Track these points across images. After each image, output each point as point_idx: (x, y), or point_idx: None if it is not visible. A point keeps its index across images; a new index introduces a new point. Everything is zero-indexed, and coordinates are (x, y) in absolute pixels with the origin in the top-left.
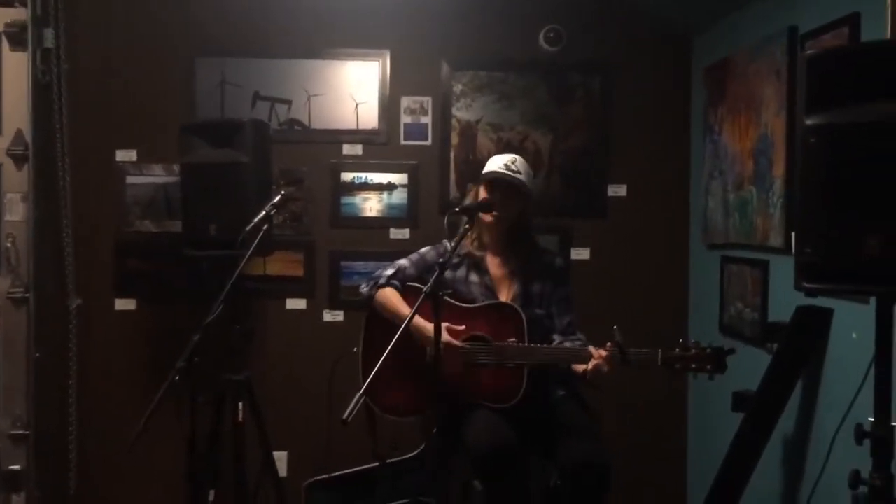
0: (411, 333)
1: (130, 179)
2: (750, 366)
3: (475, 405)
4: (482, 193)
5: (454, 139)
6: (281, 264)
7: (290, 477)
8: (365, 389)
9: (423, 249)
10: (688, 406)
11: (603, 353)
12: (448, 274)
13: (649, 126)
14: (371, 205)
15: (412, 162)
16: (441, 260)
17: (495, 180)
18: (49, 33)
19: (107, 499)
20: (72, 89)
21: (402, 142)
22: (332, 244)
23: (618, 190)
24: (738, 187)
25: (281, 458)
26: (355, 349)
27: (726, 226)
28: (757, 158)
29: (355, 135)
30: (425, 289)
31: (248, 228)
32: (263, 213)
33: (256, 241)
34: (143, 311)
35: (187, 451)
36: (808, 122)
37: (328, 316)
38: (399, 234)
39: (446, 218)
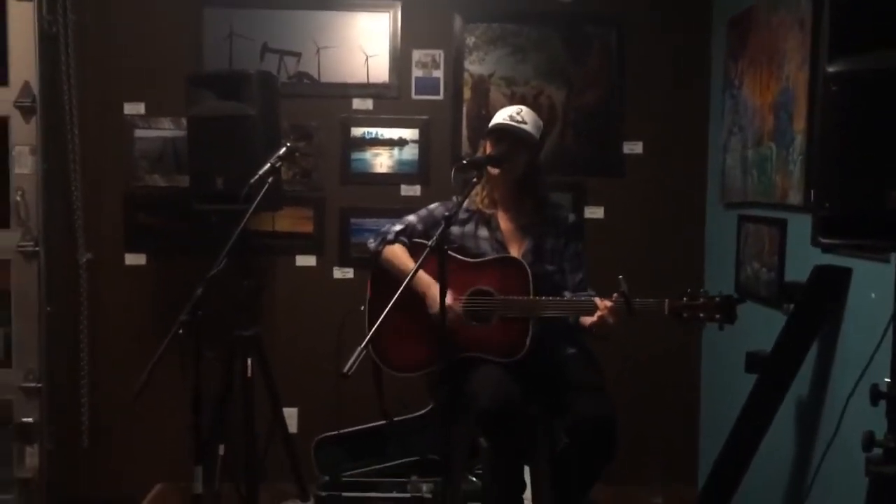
0: (414, 290)
1: (139, 133)
2: (765, 326)
3: (480, 360)
4: (488, 147)
5: (466, 94)
6: (290, 220)
7: (300, 433)
8: (366, 343)
9: (433, 205)
10: (700, 364)
11: (608, 303)
12: (456, 229)
13: (667, 81)
14: (382, 160)
15: (424, 117)
16: (447, 214)
17: (500, 131)
18: None
19: (119, 451)
20: (79, 41)
21: (414, 96)
22: (341, 201)
23: (633, 147)
24: (757, 143)
25: (291, 414)
26: (362, 307)
27: (745, 184)
28: (777, 113)
29: (366, 89)
30: (430, 243)
31: (252, 181)
32: (268, 165)
33: (261, 195)
34: (153, 266)
35: (192, 405)
36: (830, 69)
37: (338, 273)
38: (410, 190)
39: (454, 173)
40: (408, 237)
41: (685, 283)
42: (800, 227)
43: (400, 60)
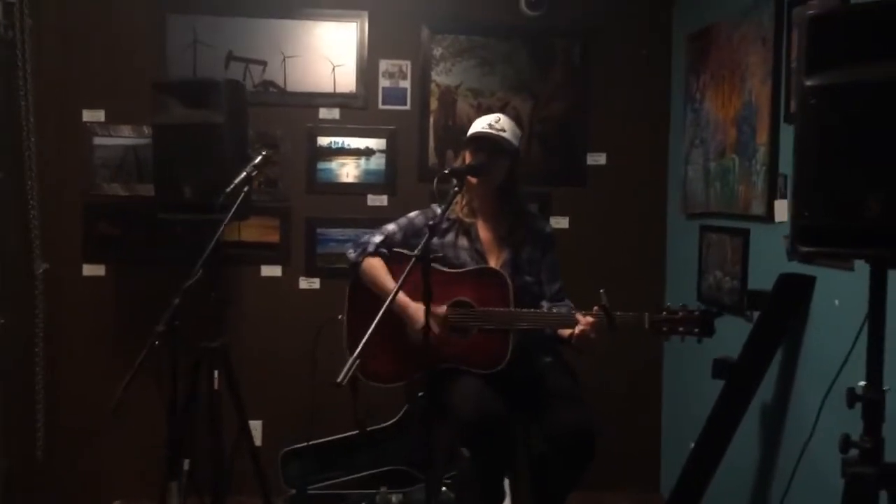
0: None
1: (98, 140)
2: (728, 334)
3: (460, 371)
4: (468, 157)
5: (433, 104)
6: (256, 230)
7: (265, 446)
8: (358, 353)
9: (412, 214)
10: (662, 371)
11: (589, 319)
12: (436, 239)
13: (629, 94)
14: (348, 170)
15: (390, 127)
16: (431, 223)
17: (480, 139)
18: None
19: (75, 466)
20: (36, 46)
21: (381, 106)
22: (308, 210)
23: (597, 158)
24: (719, 156)
25: (255, 426)
26: (340, 316)
27: (707, 195)
28: (740, 126)
29: (332, 98)
30: (416, 252)
31: (228, 190)
32: (244, 174)
33: (237, 204)
34: (113, 277)
35: (168, 418)
36: (808, 83)
37: (304, 283)
38: (377, 200)
39: (435, 183)
40: (388, 248)
41: (647, 291)
42: (762, 236)
43: (367, 70)
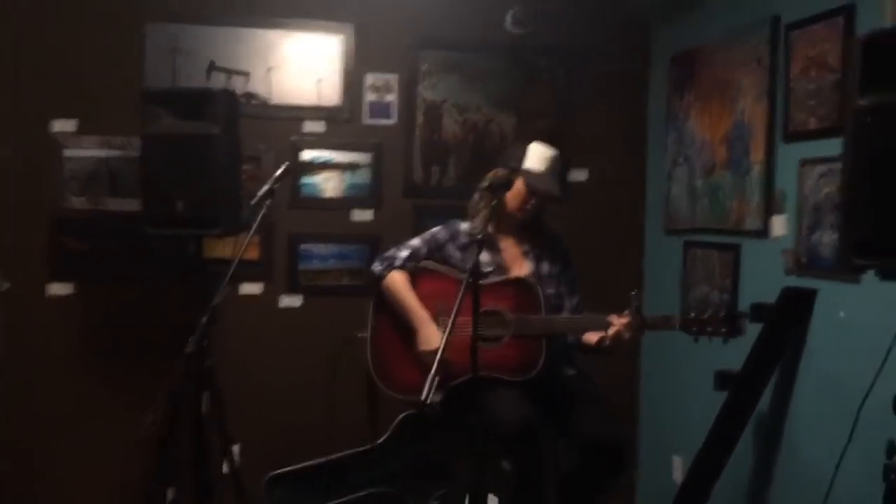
0: (410, 323)
1: (68, 152)
2: (715, 347)
3: (490, 381)
4: (519, 185)
5: (419, 119)
6: (235, 246)
7: (244, 470)
8: (436, 370)
9: (434, 229)
10: (639, 383)
11: (624, 319)
12: (458, 253)
13: (609, 112)
14: (333, 185)
15: (376, 141)
16: (479, 237)
17: (542, 191)
18: None
19: (37, 493)
20: (4, 52)
21: (366, 120)
22: (290, 226)
23: (579, 175)
24: (707, 173)
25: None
26: (360, 334)
27: (692, 211)
28: (731, 144)
29: (317, 111)
30: (468, 267)
31: (252, 203)
32: (267, 186)
33: (259, 218)
34: (81, 296)
35: (158, 445)
36: (862, 102)
37: (285, 301)
38: (362, 215)
39: (477, 195)
40: (413, 262)
41: (625, 304)
42: (755, 250)
43: (352, 84)
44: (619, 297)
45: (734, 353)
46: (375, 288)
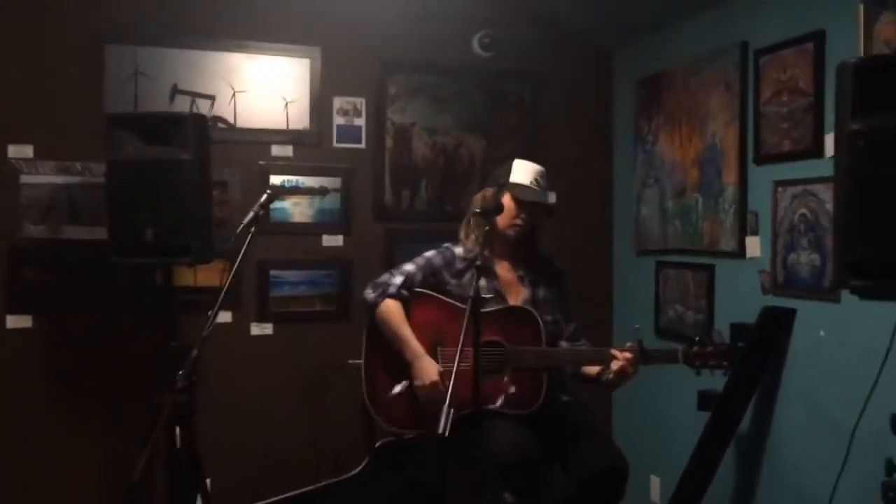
0: (403, 356)
1: (25, 179)
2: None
3: (491, 413)
4: (507, 201)
5: (389, 142)
6: (203, 273)
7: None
8: (449, 402)
9: (429, 254)
10: (614, 412)
11: (627, 354)
12: (453, 280)
13: (576, 135)
14: (302, 210)
15: (345, 165)
16: (478, 263)
17: (530, 204)
18: None
19: None
20: None
21: (335, 144)
22: (259, 252)
23: (549, 197)
24: (679, 195)
25: None
26: (351, 361)
27: (664, 232)
28: (703, 167)
29: (285, 135)
30: (470, 293)
31: (238, 230)
32: (252, 214)
33: (245, 246)
34: (41, 329)
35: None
36: (855, 126)
37: (256, 329)
38: (332, 241)
39: (469, 220)
40: (408, 289)
41: (595, 325)
42: (730, 271)
43: (320, 107)
44: (589, 318)
45: (706, 373)
46: (369, 315)
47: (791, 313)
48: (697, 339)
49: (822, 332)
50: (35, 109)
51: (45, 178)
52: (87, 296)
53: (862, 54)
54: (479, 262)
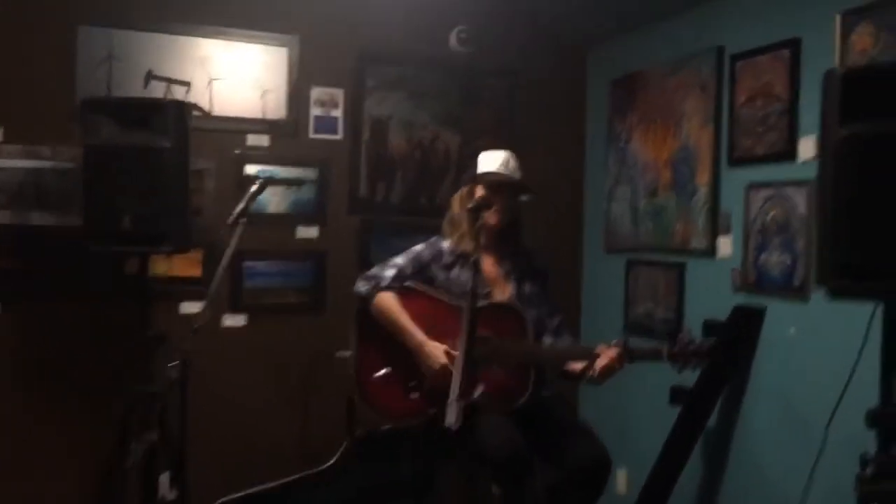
0: (407, 345)
1: None
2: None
3: (478, 408)
4: (479, 192)
5: (365, 134)
6: (175, 263)
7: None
8: (457, 394)
9: (417, 247)
10: (579, 405)
11: (612, 352)
12: (442, 273)
13: (549, 132)
14: (277, 200)
15: (321, 156)
16: (475, 259)
17: (501, 183)
18: None
19: None
20: None
21: (312, 135)
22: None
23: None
24: (651, 194)
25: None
26: (338, 353)
27: (636, 231)
28: (676, 167)
29: (261, 124)
30: (469, 287)
31: (229, 222)
32: (243, 203)
33: (237, 235)
34: (10, 317)
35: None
36: (843, 132)
37: (228, 320)
38: (306, 232)
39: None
40: (399, 282)
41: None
42: (700, 270)
43: (298, 97)
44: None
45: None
46: (360, 308)
47: (762, 311)
48: (679, 336)
49: (791, 330)
50: (5, 92)
51: (11, 161)
52: (56, 283)
53: (837, 63)
54: (475, 258)
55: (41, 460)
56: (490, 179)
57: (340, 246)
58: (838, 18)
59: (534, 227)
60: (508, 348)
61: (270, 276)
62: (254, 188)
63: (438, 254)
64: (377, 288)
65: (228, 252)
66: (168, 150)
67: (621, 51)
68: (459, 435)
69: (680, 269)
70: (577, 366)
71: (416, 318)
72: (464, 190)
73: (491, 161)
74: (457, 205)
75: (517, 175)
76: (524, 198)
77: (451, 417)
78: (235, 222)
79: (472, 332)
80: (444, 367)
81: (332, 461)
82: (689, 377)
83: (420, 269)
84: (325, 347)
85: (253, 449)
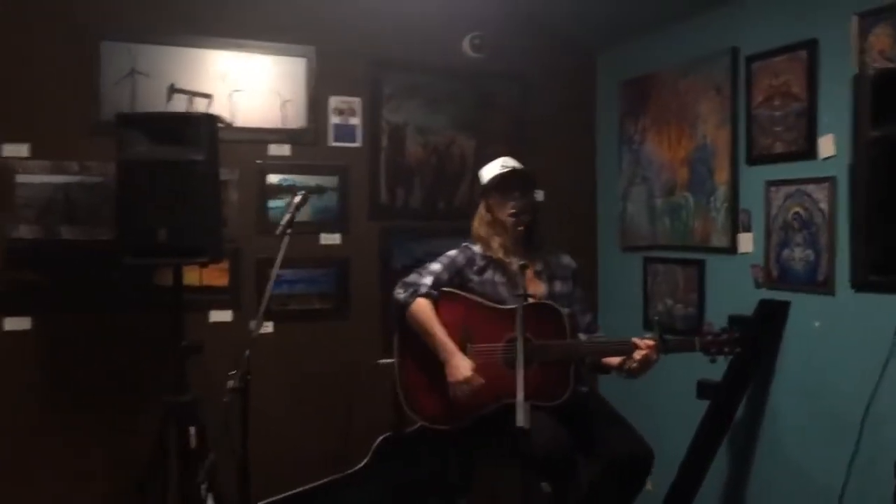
0: (437, 354)
1: (20, 178)
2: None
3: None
4: (493, 200)
5: (384, 142)
6: (207, 273)
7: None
8: (521, 395)
9: (451, 253)
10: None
11: (649, 342)
12: (476, 277)
13: (562, 135)
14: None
15: (342, 164)
16: (522, 263)
17: (510, 179)
18: None
19: None
20: None
21: (331, 143)
22: (259, 251)
23: (537, 195)
24: (668, 193)
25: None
26: (380, 361)
27: (653, 229)
28: (693, 167)
29: (282, 134)
30: (519, 292)
31: (277, 232)
32: (289, 215)
33: (283, 247)
34: (40, 330)
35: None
36: (874, 133)
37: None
38: (330, 239)
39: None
40: (436, 288)
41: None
42: (721, 266)
43: (317, 106)
44: None
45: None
46: (398, 315)
47: (786, 305)
48: (707, 326)
49: (816, 323)
50: (30, 108)
51: (40, 177)
52: (86, 296)
53: (855, 64)
54: (522, 263)
55: (75, 472)
56: (497, 176)
57: (362, 252)
58: (855, 19)
59: (548, 228)
60: (550, 346)
61: (295, 283)
62: (297, 199)
63: (471, 258)
64: (415, 294)
65: (277, 263)
66: (201, 163)
67: (632, 54)
68: (507, 434)
69: (700, 266)
70: (615, 359)
71: (453, 321)
72: (481, 208)
73: (492, 168)
74: (478, 223)
75: (520, 165)
76: (538, 196)
77: (521, 418)
78: (283, 233)
79: (522, 335)
80: (467, 381)
81: (363, 462)
82: (716, 372)
83: (456, 274)
84: (351, 354)
85: (281, 454)
